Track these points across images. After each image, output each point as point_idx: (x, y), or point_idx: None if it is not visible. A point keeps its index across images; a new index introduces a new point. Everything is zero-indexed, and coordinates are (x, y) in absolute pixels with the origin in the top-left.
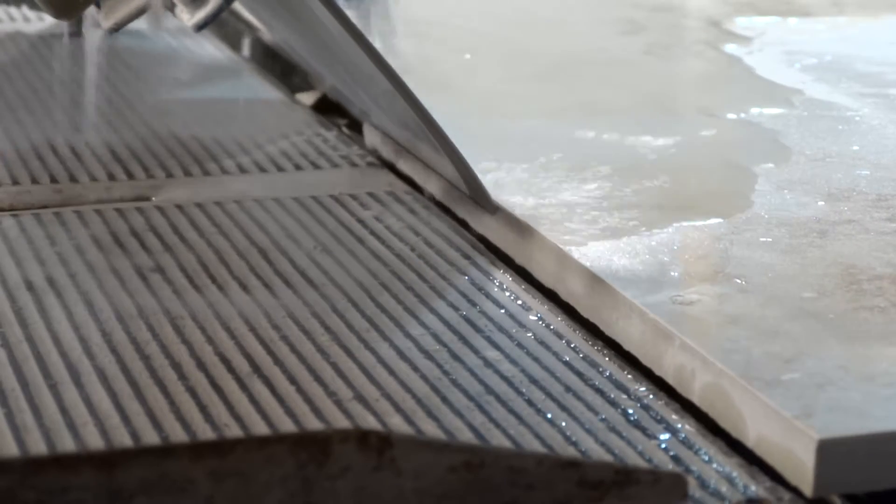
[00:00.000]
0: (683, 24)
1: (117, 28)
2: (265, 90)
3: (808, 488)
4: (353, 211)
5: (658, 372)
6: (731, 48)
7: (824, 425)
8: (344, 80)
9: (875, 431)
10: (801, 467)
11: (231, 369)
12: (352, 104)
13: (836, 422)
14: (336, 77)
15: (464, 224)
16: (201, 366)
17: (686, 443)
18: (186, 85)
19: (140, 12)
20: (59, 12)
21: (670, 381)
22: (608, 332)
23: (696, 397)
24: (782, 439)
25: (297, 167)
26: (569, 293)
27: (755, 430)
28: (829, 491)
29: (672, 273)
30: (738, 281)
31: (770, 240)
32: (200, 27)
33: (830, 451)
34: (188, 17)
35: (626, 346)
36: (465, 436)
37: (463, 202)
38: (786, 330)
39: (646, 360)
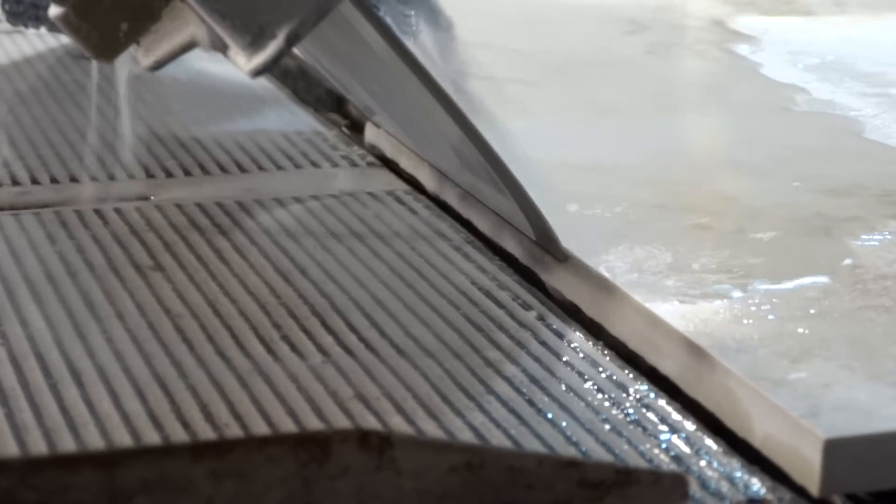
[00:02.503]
0: (685, 24)
1: (157, 67)
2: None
3: (814, 488)
4: (353, 210)
5: (663, 371)
6: (733, 48)
7: (831, 425)
8: (398, 117)
9: (882, 431)
10: (808, 467)
11: (231, 368)
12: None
13: (842, 421)
14: (387, 111)
15: (509, 259)
16: (202, 364)
17: (687, 443)
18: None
19: (183, 50)
20: (98, 53)
21: (674, 379)
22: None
23: (701, 397)
24: (788, 439)
25: (297, 166)
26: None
27: (761, 430)
28: (835, 490)
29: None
30: (742, 279)
31: (773, 238)
32: (258, 73)
33: (837, 451)
34: (244, 62)
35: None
36: (466, 435)
37: (511, 238)
38: (791, 329)
39: (643, 353)
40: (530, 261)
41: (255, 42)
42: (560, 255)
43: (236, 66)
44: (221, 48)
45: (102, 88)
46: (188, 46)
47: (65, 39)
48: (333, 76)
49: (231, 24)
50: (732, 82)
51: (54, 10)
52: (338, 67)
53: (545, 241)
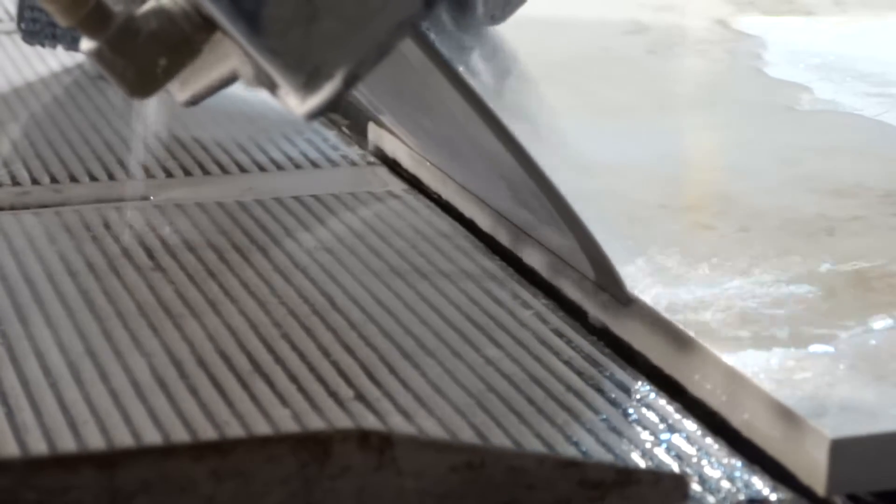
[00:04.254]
0: (686, 24)
1: (194, 102)
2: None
3: (820, 488)
4: (353, 209)
5: (667, 370)
6: (734, 48)
7: (837, 425)
8: (446, 149)
9: (888, 431)
10: (814, 467)
11: (232, 367)
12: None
13: (848, 421)
14: (434, 142)
15: (555, 294)
16: (202, 364)
17: (687, 442)
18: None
19: (223, 84)
20: (134, 90)
21: (678, 379)
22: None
23: (706, 396)
24: (794, 439)
25: (297, 166)
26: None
27: (767, 430)
28: (841, 490)
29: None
30: (746, 279)
31: (776, 238)
32: (313, 117)
33: (843, 451)
34: (296, 104)
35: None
36: (466, 434)
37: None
38: (795, 329)
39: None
40: (580, 297)
41: (309, 83)
42: (623, 298)
43: (286, 108)
44: (269, 86)
45: (103, 90)
46: (228, 81)
47: (80, 58)
48: (374, 105)
49: (283, 63)
50: (734, 82)
51: (87, 45)
52: (383, 97)
53: (606, 281)
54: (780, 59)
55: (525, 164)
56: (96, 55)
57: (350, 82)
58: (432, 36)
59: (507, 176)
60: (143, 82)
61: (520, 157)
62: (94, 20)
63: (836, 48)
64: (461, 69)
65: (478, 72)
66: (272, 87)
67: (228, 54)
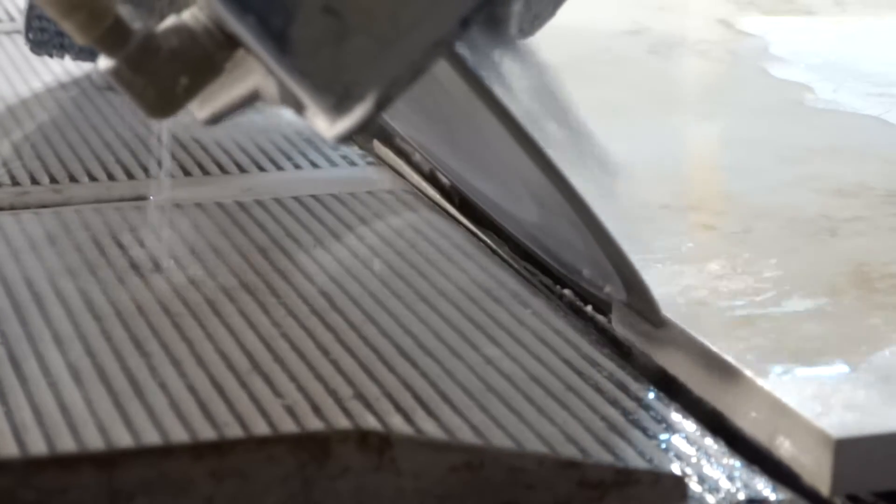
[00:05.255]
0: (687, 24)
1: (215, 120)
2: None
3: (825, 488)
4: (353, 209)
5: (671, 370)
6: (735, 48)
7: (841, 425)
8: (469, 165)
9: (892, 430)
10: (818, 467)
11: (231, 367)
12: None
13: (852, 421)
14: (457, 157)
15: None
16: (201, 363)
17: (687, 443)
18: None
19: (245, 102)
20: (154, 110)
21: (682, 379)
22: None
23: (709, 397)
24: (798, 439)
25: (297, 166)
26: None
27: (771, 430)
28: (846, 490)
29: None
30: (749, 279)
31: (779, 238)
32: (344, 139)
33: (847, 451)
34: (325, 126)
35: None
36: (466, 434)
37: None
38: (799, 329)
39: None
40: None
41: (339, 104)
42: (656, 320)
43: (315, 129)
44: (295, 106)
45: (102, 90)
46: (250, 98)
47: (88, 67)
48: (391, 115)
49: (312, 84)
50: (735, 82)
51: (105, 63)
52: (401, 111)
53: (639, 303)
54: (780, 58)
55: (558, 184)
56: (114, 74)
57: (382, 104)
58: (464, 52)
59: (536, 194)
60: (164, 102)
61: (553, 176)
62: (113, 38)
63: (837, 48)
64: (495, 86)
65: (511, 87)
66: (299, 108)
67: (251, 71)
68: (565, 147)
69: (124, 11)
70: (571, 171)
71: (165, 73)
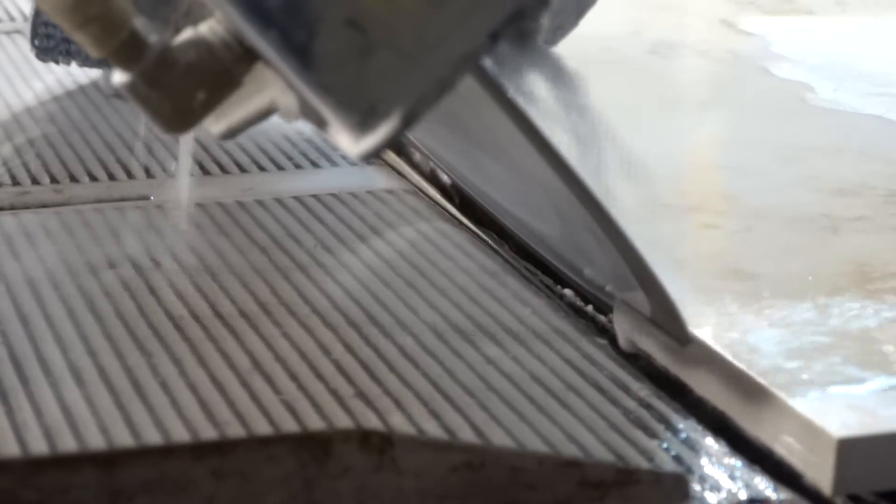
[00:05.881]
0: (687, 24)
1: (230, 135)
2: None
3: (827, 487)
4: (353, 209)
5: (673, 371)
6: (735, 48)
7: (843, 424)
8: (487, 176)
9: (894, 430)
10: (821, 467)
11: (232, 366)
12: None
13: (854, 421)
14: (477, 168)
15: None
16: (202, 363)
17: (688, 442)
18: None
19: (262, 116)
20: (170, 125)
21: (683, 379)
22: None
23: (711, 396)
24: (801, 439)
25: (297, 166)
26: None
27: (773, 430)
28: (848, 490)
29: None
30: (751, 280)
31: (780, 237)
32: (369, 157)
33: (850, 451)
34: (349, 144)
35: None
36: (467, 433)
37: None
38: (801, 329)
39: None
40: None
41: (364, 121)
42: (683, 338)
43: (338, 146)
44: (316, 121)
45: (102, 89)
46: (268, 112)
47: (95, 74)
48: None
49: (336, 100)
50: (735, 82)
51: (119, 78)
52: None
53: (664, 318)
54: (781, 58)
55: (583, 199)
56: (129, 89)
57: (408, 121)
58: (490, 65)
59: (558, 207)
60: (180, 117)
61: (578, 190)
62: (128, 51)
63: (838, 47)
64: (518, 96)
65: (535, 96)
66: (321, 124)
67: (268, 84)
68: (587, 153)
69: (139, 23)
70: (593, 178)
71: (182, 87)
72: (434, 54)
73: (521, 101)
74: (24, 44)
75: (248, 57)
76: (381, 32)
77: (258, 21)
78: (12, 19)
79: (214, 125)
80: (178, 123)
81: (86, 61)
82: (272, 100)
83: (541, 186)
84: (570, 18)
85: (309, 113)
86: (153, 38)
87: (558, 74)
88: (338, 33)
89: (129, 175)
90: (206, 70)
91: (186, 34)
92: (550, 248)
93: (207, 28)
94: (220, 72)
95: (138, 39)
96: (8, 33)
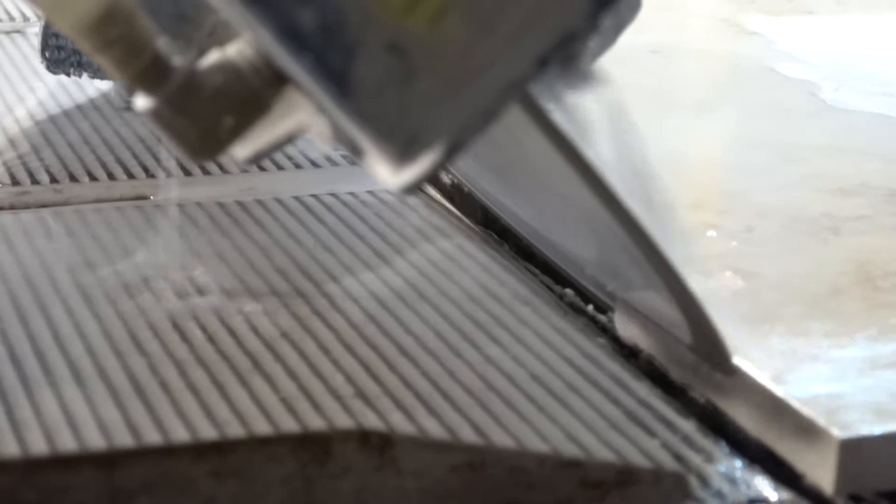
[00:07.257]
0: (688, 24)
1: (256, 159)
2: None
3: (829, 487)
4: (354, 209)
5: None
6: (736, 47)
7: (845, 424)
8: (525, 197)
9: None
10: (823, 467)
11: (232, 366)
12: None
13: (856, 421)
14: (511, 186)
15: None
16: (202, 363)
17: (688, 442)
18: None
19: (288, 140)
20: (196, 152)
21: (684, 379)
22: None
23: (713, 396)
24: (803, 439)
25: (297, 166)
26: None
27: (773, 430)
28: (850, 490)
29: None
30: (752, 279)
31: (781, 237)
32: (410, 190)
33: (852, 451)
34: (388, 174)
35: None
36: (467, 432)
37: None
38: (802, 329)
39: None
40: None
41: (405, 151)
42: (727, 368)
43: (375, 178)
44: (351, 149)
45: (102, 89)
46: (296, 135)
47: (106, 86)
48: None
49: (376, 129)
50: (736, 81)
51: (143, 103)
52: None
53: (707, 347)
54: (782, 58)
55: (628, 226)
56: (153, 115)
57: (452, 151)
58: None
59: (596, 230)
60: (207, 144)
61: (623, 218)
62: (152, 75)
63: (839, 47)
64: (557, 116)
65: (578, 119)
66: (356, 152)
67: (297, 107)
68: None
69: (162, 44)
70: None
71: (209, 113)
72: (480, 81)
73: (564, 125)
74: (25, 44)
75: (278, 80)
76: (424, 58)
77: (292, 44)
78: (12, 19)
79: (240, 150)
80: (205, 150)
81: (97, 73)
82: (302, 123)
83: (578, 209)
84: (609, 35)
85: (343, 139)
86: (177, 59)
87: (599, 95)
88: (377, 59)
89: (130, 175)
90: (233, 95)
91: (213, 57)
92: (581, 269)
93: (235, 51)
94: (249, 97)
95: (162, 62)
96: (8, 33)
